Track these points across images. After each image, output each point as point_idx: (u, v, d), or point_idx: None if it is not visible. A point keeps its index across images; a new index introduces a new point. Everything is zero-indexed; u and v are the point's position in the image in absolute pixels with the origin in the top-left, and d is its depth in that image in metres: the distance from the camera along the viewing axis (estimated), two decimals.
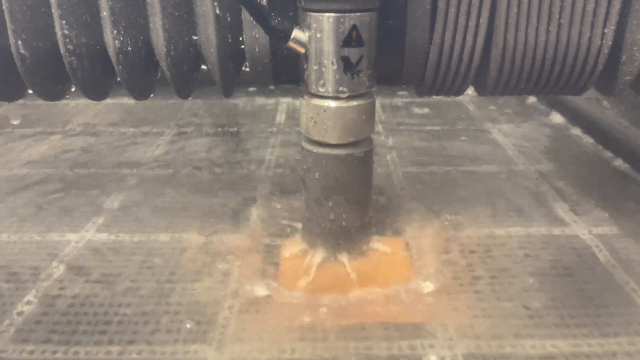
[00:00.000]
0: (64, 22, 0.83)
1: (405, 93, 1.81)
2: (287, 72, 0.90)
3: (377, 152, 1.29)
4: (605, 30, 0.81)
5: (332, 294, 0.81)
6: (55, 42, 0.84)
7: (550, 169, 1.24)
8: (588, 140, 1.41)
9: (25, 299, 0.81)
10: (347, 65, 0.78)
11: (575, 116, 1.52)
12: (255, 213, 1.03)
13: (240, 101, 1.75)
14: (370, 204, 0.93)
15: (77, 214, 1.05)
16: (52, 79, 0.90)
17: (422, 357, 0.69)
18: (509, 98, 1.73)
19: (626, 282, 0.84)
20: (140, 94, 0.93)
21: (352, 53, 0.78)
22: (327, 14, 0.76)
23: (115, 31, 0.83)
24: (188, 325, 0.75)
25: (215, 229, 0.98)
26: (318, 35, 0.77)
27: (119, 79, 0.89)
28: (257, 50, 0.85)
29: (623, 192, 1.13)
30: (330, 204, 0.87)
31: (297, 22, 0.81)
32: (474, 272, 0.85)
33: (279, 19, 0.84)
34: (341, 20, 0.76)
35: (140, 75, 0.89)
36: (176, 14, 0.84)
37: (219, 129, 1.51)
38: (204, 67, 0.91)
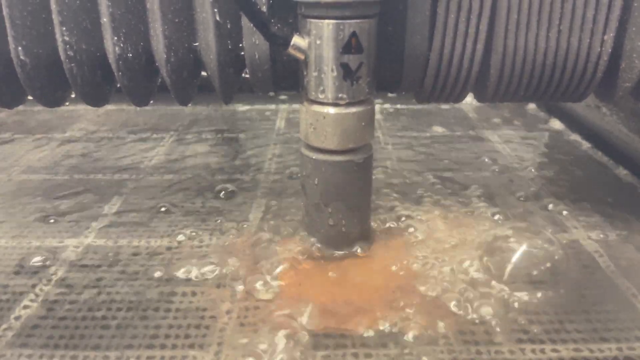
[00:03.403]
0: (64, 28, 0.83)
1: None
2: (287, 79, 0.90)
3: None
4: (605, 37, 0.82)
5: (331, 297, 0.80)
6: (55, 48, 0.85)
7: (549, 175, 1.24)
8: (587, 146, 1.41)
9: (23, 304, 0.80)
10: (346, 72, 0.79)
11: (574, 122, 1.52)
12: (254, 216, 1.03)
13: (240, 107, 1.76)
14: (370, 209, 0.93)
15: (76, 219, 1.05)
16: (52, 85, 0.90)
17: None
18: (509, 105, 1.73)
19: (626, 287, 0.84)
20: (140, 100, 0.93)
21: (352, 60, 0.78)
22: (326, 21, 0.76)
23: (116, 37, 0.83)
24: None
25: (215, 231, 0.98)
26: (318, 41, 0.77)
27: (119, 85, 0.90)
28: (257, 56, 0.85)
29: (622, 198, 1.13)
30: (329, 210, 0.87)
31: (297, 28, 0.82)
32: (474, 276, 0.85)
33: (279, 25, 0.84)
34: (341, 27, 0.76)
35: (141, 82, 0.89)
36: (176, 20, 0.84)
37: (219, 135, 1.52)
38: (204, 73, 0.91)
